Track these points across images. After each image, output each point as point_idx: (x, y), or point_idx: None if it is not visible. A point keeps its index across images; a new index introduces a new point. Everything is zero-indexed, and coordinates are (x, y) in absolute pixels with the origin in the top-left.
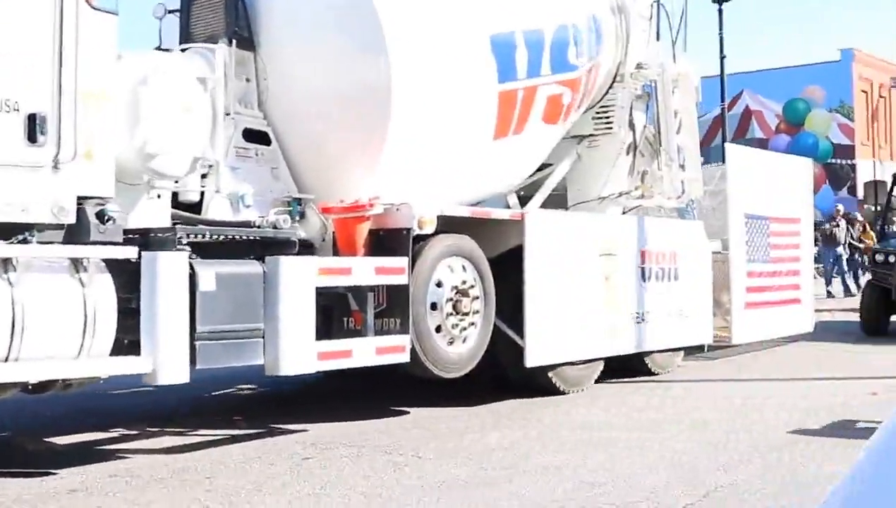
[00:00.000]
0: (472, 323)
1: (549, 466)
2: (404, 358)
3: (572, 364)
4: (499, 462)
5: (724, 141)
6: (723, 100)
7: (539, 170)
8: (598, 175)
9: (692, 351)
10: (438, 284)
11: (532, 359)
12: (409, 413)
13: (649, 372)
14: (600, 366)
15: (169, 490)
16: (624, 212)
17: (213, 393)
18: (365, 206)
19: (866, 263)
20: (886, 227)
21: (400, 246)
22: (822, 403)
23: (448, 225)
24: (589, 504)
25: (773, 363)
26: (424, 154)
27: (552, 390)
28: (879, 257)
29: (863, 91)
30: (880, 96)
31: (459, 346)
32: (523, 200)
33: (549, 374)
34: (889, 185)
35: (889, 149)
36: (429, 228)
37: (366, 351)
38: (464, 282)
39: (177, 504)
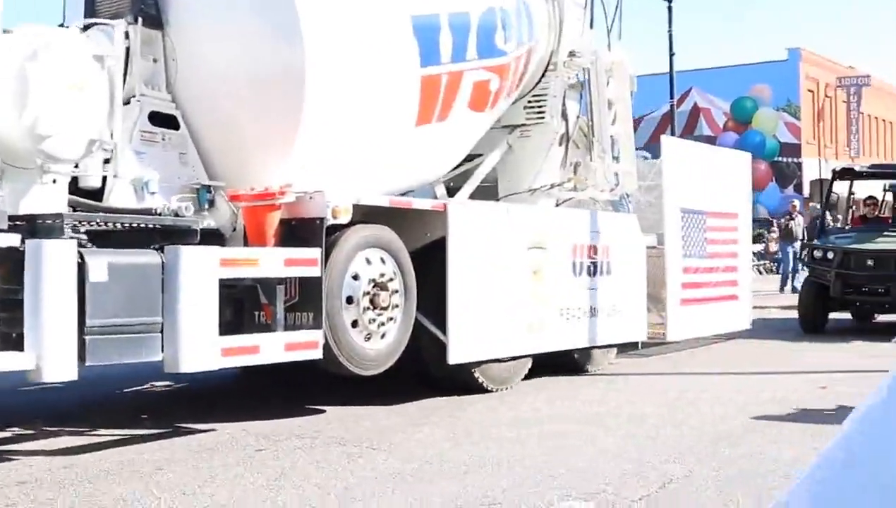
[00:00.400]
0: (391, 318)
1: (501, 461)
2: (317, 354)
3: (498, 361)
4: (440, 457)
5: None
6: (672, 97)
7: (469, 160)
8: (529, 166)
9: (626, 348)
10: (355, 277)
11: (455, 356)
12: (324, 411)
13: (580, 370)
14: (528, 363)
15: (119, 482)
16: (557, 205)
17: (125, 390)
18: (275, 194)
19: (804, 260)
20: (826, 224)
21: (313, 236)
22: (768, 396)
23: (367, 215)
24: (549, 495)
25: (709, 359)
26: (342, 141)
27: (477, 388)
28: (818, 253)
29: (809, 90)
30: (826, 96)
31: (377, 342)
32: (452, 191)
33: (474, 371)
34: (829, 182)
35: (834, 148)
36: (344, 218)
37: (274, 347)
38: (382, 275)
39: (128, 495)
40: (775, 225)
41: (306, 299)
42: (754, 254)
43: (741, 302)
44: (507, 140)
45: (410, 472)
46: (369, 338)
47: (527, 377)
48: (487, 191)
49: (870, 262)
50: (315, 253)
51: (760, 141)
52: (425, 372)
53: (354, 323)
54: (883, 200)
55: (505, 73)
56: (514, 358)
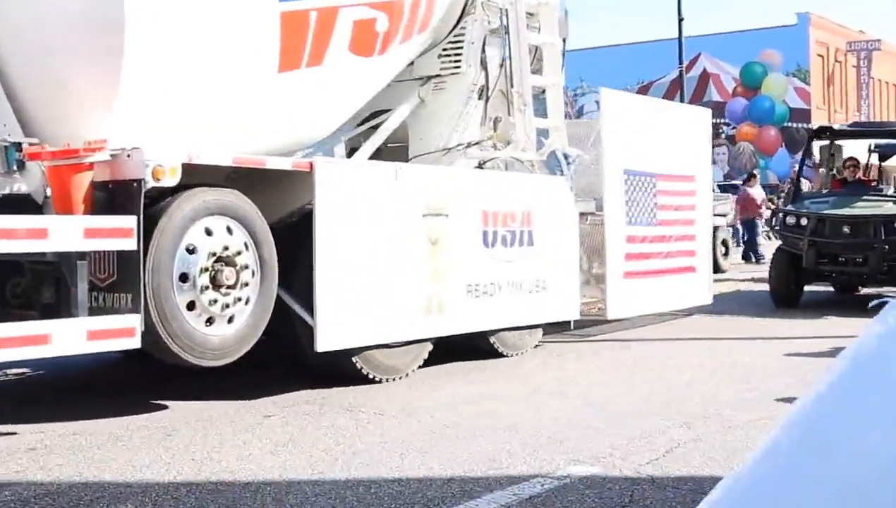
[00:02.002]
0: (241, 299)
1: (510, 426)
2: (133, 342)
3: (386, 346)
4: (447, 422)
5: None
6: (680, 62)
7: (376, 116)
8: (444, 122)
9: (557, 328)
10: (191, 250)
11: (324, 342)
12: (167, 407)
13: (497, 353)
14: (426, 349)
15: (129, 448)
16: (481, 166)
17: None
18: (78, 151)
19: (775, 226)
20: (800, 188)
21: (130, 202)
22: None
23: (212, 177)
24: (559, 458)
25: (658, 336)
26: (182, 90)
27: (359, 377)
28: (790, 220)
29: (819, 55)
30: (836, 61)
31: (222, 327)
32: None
33: (354, 359)
34: (804, 144)
35: (844, 113)
36: (169, 179)
37: (71, 336)
38: (226, 248)
39: (137, 461)
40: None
41: (124, 278)
42: (766, 219)
43: (700, 275)
44: (419, 93)
45: (419, 438)
46: (211, 323)
47: (433, 363)
48: (401, 153)
49: (846, 229)
50: (129, 221)
51: (770, 106)
52: (296, 358)
53: (191, 306)
54: (868, 162)
55: (396, 12)
56: (406, 343)
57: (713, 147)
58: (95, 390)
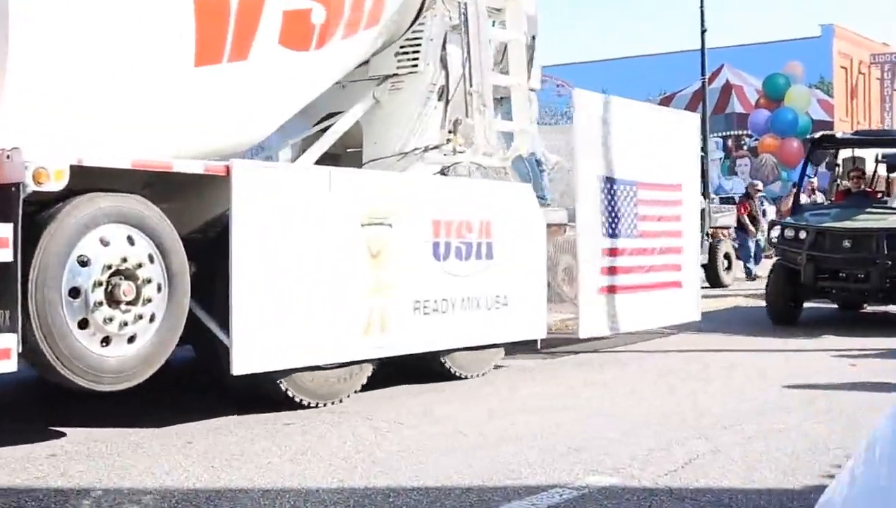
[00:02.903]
0: (143, 316)
1: (528, 435)
2: (9, 366)
3: (318, 369)
4: (468, 432)
5: (704, 115)
6: (703, 74)
7: (332, 118)
8: (400, 125)
9: (521, 348)
10: (83, 262)
11: (241, 364)
12: (186, 415)
13: (450, 376)
14: (366, 371)
15: (149, 455)
16: (444, 173)
17: None
18: None
19: (772, 240)
20: (801, 199)
21: (7, 207)
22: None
23: (126, 183)
24: (577, 469)
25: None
26: (76, 86)
27: (286, 402)
28: (789, 233)
29: (842, 67)
30: (860, 73)
31: (121, 347)
32: None
33: (279, 382)
34: (806, 152)
35: (867, 125)
36: (53, 184)
37: None
38: (124, 260)
39: (157, 468)
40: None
41: (1, 293)
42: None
43: (686, 290)
44: (374, 93)
45: (438, 447)
46: (108, 343)
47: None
48: (356, 159)
49: (846, 243)
50: (4, 229)
51: (793, 118)
52: (215, 380)
53: (83, 324)
54: (875, 172)
55: (334, 3)
56: (343, 365)
57: (735, 158)
58: (115, 397)
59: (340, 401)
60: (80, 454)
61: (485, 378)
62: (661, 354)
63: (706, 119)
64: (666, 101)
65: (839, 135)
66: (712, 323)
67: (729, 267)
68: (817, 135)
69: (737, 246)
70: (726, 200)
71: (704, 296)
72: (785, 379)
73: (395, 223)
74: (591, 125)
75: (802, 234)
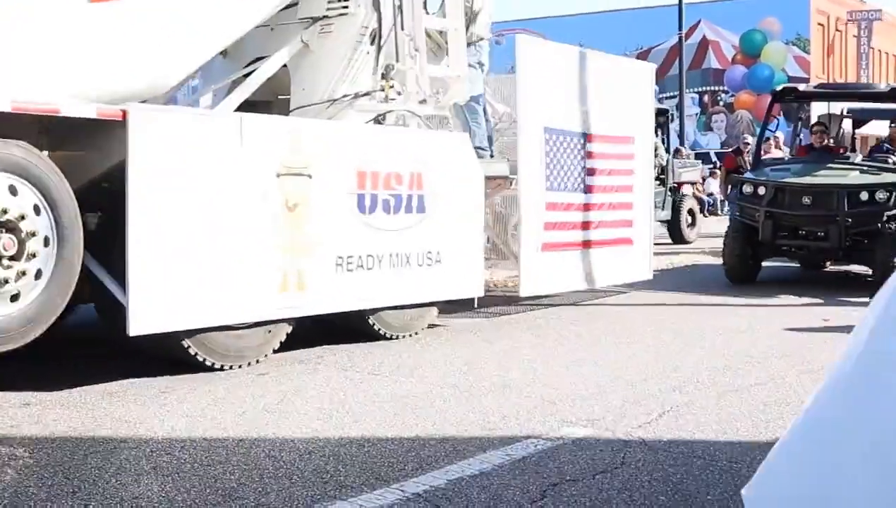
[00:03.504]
0: (27, 272)
1: (501, 386)
2: None
3: (228, 328)
4: (441, 383)
5: (681, 70)
6: (680, 29)
7: (258, 62)
8: (329, 71)
9: (457, 306)
10: None
11: (138, 324)
12: (161, 366)
13: (377, 335)
14: (282, 331)
15: (123, 404)
16: (379, 122)
17: None
18: None
19: (730, 195)
20: (762, 154)
21: None
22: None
23: (22, 132)
24: (552, 420)
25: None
26: None
27: (193, 363)
28: (747, 188)
29: (819, 24)
30: (836, 30)
31: (3, 306)
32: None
33: (185, 342)
34: (768, 105)
35: (844, 82)
36: None
37: None
38: (4, 211)
39: (131, 416)
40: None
41: None
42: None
43: (638, 247)
44: (302, 37)
45: (412, 396)
46: None
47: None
48: (288, 106)
49: (806, 200)
50: None
51: (769, 74)
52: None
53: None
54: (840, 127)
55: None
56: (255, 325)
57: (710, 114)
58: (87, 348)
59: (257, 362)
60: (54, 402)
61: (462, 331)
62: (620, 311)
63: (683, 74)
64: (642, 56)
65: (801, 87)
66: (670, 280)
67: (693, 224)
68: (779, 87)
69: (712, 201)
70: (701, 156)
71: (664, 253)
72: (755, 335)
73: (314, 174)
74: (535, 73)
75: (761, 190)
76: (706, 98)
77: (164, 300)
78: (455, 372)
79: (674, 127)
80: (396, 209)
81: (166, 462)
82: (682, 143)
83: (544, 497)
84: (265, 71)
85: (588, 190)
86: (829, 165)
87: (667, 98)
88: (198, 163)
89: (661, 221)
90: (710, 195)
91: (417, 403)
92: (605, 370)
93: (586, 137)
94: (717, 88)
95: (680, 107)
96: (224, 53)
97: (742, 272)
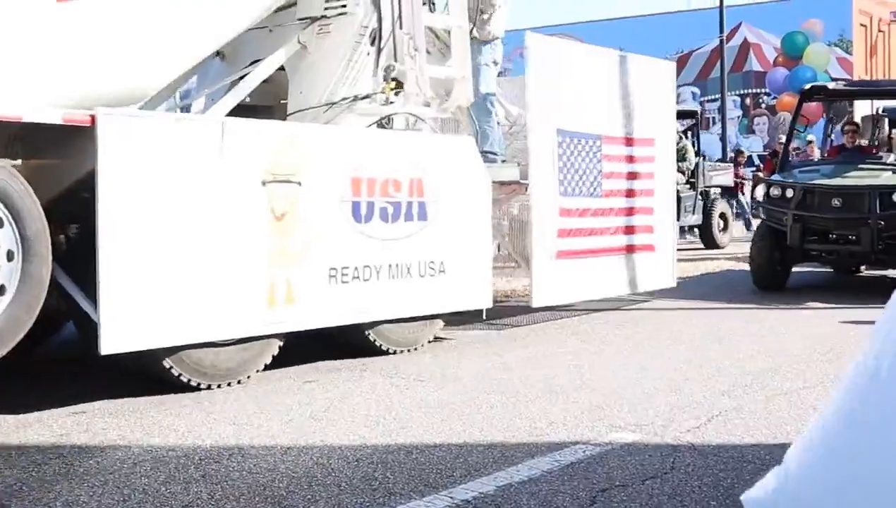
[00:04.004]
0: None
1: (550, 391)
2: None
3: (211, 345)
4: (489, 388)
5: (722, 73)
6: (721, 31)
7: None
8: (328, 72)
9: (463, 318)
10: None
11: (110, 342)
12: None
13: (377, 350)
14: (271, 347)
15: (172, 412)
16: (382, 126)
17: None
18: None
19: (757, 199)
20: (791, 156)
21: None
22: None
23: None
24: (600, 425)
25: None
26: None
27: (174, 383)
28: (775, 191)
29: (862, 25)
30: (879, 31)
31: None
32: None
33: (165, 361)
34: (795, 105)
35: (877, 80)
36: None
37: None
38: None
39: (180, 425)
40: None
41: None
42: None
43: (660, 254)
44: (300, 38)
45: (458, 403)
46: None
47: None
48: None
49: (836, 202)
50: None
51: (812, 77)
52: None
53: None
54: (875, 127)
55: None
56: (242, 341)
57: (753, 117)
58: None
59: (248, 378)
60: (102, 411)
61: (504, 338)
62: (658, 315)
63: (724, 77)
64: (682, 60)
65: (830, 85)
66: (695, 287)
67: (725, 228)
68: (807, 86)
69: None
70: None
71: (694, 259)
72: (798, 338)
73: (304, 180)
74: (547, 72)
75: (789, 193)
76: (748, 101)
77: (139, 316)
78: (500, 378)
79: (716, 130)
80: (395, 217)
81: (215, 470)
82: (724, 147)
83: (594, 503)
84: (258, 74)
85: (605, 194)
86: (861, 166)
87: (708, 101)
88: (175, 170)
89: (692, 226)
90: (754, 199)
91: (464, 409)
92: (651, 374)
93: (603, 139)
94: (758, 91)
95: (722, 110)
96: (221, 56)
97: (770, 278)
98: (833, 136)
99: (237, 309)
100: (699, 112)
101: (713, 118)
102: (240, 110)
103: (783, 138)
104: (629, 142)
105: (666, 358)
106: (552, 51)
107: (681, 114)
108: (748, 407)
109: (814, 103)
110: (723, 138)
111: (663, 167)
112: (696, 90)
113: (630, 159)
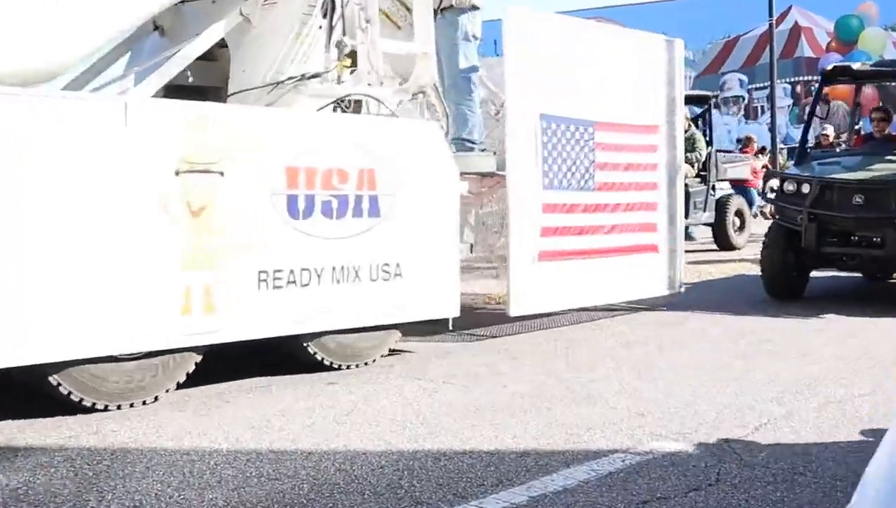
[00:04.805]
0: None
1: (588, 397)
2: None
3: (111, 360)
4: (521, 393)
5: (771, 60)
6: (770, 15)
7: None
8: (273, 49)
9: (425, 328)
10: None
11: None
12: (224, 375)
13: (321, 365)
14: (189, 361)
15: (185, 414)
16: (342, 109)
17: None
18: None
19: (767, 195)
20: (807, 147)
21: None
22: None
23: None
24: (640, 433)
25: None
26: None
27: (65, 402)
28: (789, 186)
29: None
30: None
31: None
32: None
33: (53, 379)
34: (816, 89)
35: None
36: None
37: None
38: None
39: (194, 427)
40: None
41: None
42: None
43: (664, 256)
44: (242, 9)
45: (489, 407)
46: None
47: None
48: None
49: (858, 199)
50: None
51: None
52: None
53: None
54: None
55: None
56: (151, 355)
57: (804, 106)
58: None
59: (155, 400)
60: (112, 413)
61: (537, 341)
62: (694, 318)
63: (774, 63)
64: (730, 45)
65: (856, 66)
66: (701, 294)
67: (742, 227)
68: (829, 66)
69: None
70: (793, 150)
71: (705, 261)
72: (850, 344)
73: (227, 170)
74: (527, 51)
75: (805, 188)
76: (799, 88)
77: (17, 327)
78: (534, 381)
79: (764, 119)
80: (341, 213)
81: (231, 475)
82: (773, 138)
83: None
84: (190, 51)
85: (598, 188)
86: (889, 158)
87: (756, 89)
88: (67, 158)
89: (705, 224)
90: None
91: (495, 414)
92: (694, 379)
93: (595, 126)
94: (810, 78)
95: (771, 98)
96: (161, 31)
97: (784, 286)
98: (861, 124)
99: (143, 319)
100: (710, 96)
101: (762, 107)
102: (184, 93)
103: (828, 129)
104: (628, 129)
105: (709, 361)
106: (534, 26)
107: (691, 100)
108: (799, 415)
109: (869, 92)
110: (772, 128)
111: (669, 157)
112: (744, 77)
113: (629, 148)
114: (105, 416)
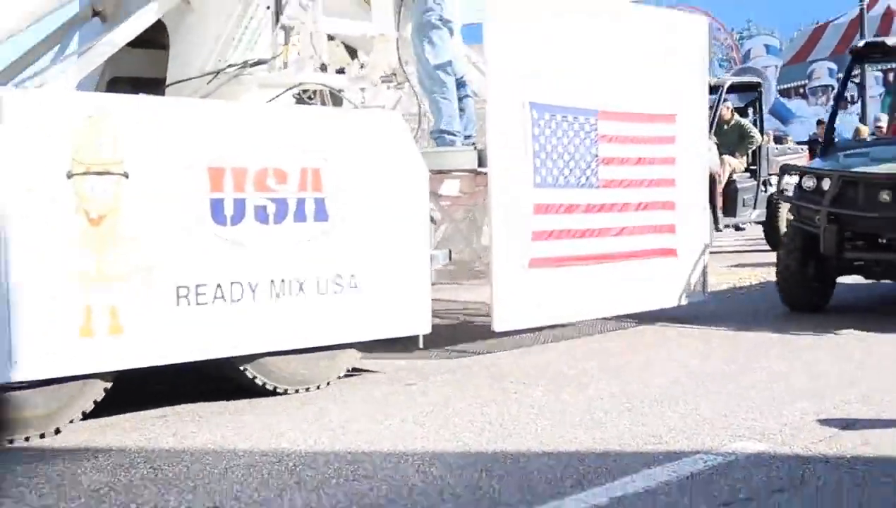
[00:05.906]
0: None
1: (668, 398)
2: None
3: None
4: (603, 394)
5: None
6: (861, 0)
7: None
8: (213, 33)
9: (397, 347)
10: None
11: None
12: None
13: (262, 390)
14: (93, 389)
15: (263, 415)
16: (305, 102)
17: None
18: None
19: (781, 191)
20: (834, 138)
21: None
22: None
23: None
24: (723, 435)
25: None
26: None
27: None
28: (808, 182)
29: None
30: None
31: None
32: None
33: None
34: (843, 75)
35: None
36: None
37: None
38: None
39: (272, 428)
40: None
41: None
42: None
43: (685, 260)
44: None
45: (568, 408)
46: None
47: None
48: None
49: (885, 196)
50: None
51: None
52: None
53: None
54: None
55: None
56: (46, 383)
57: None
58: None
59: (56, 432)
60: (191, 414)
61: (612, 340)
62: (763, 320)
63: None
64: (819, 31)
65: (890, 41)
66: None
67: None
68: (861, 43)
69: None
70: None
71: (749, 264)
72: None
73: (133, 172)
74: (513, 28)
75: (825, 183)
76: (891, 77)
77: None
78: (614, 382)
79: (855, 110)
80: (279, 218)
81: (310, 476)
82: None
83: None
84: (118, 36)
85: (603, 185)
86: None
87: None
88: None
89: (756, 222)
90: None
91: (574, 415)
92: (777, 380)
93: (599, 115)
94: None
95: (861, 87)
96: (102, 16)
97: (802, 296)
98: None
99: (33, 343)
100: (761, 83)
101: (852, 96)
102: (127, 86)
103: (881, 119)
104: (639, 118)
105: (791, 361)
106: (528, 3)
107: (738, 87)
108: (888, 416)
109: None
110: (863, 119)
111: (690, 150)
112: (833, 66)
113: (640, 140)
114: (182, 419)
